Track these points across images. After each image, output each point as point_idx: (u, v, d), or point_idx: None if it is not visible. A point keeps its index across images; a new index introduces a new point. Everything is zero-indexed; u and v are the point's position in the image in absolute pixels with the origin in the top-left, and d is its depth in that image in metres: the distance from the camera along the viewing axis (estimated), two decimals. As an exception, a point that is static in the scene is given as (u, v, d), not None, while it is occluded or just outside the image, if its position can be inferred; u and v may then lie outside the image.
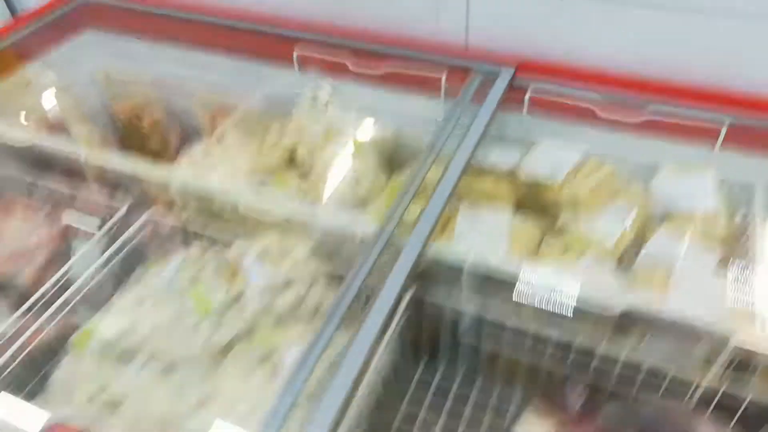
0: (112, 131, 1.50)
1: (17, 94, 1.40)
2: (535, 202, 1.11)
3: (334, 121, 1.30)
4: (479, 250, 0.93)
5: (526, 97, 1.21)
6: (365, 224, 0.98)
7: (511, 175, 1.13)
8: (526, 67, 1.22)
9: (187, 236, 1.15)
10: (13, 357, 0.93)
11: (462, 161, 1.03)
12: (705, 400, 0.91)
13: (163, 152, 1.51)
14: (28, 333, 0.95)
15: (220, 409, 0.82)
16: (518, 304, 0.99)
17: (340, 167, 1.23)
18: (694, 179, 1.12)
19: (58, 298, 1.02)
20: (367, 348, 0.76)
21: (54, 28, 1.46)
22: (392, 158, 1.39)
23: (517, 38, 1.26)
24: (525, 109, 1.22)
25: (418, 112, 1.33)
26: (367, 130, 1.32)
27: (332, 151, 1.24)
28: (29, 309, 0.98)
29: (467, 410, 1.09)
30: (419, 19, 1.30)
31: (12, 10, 1.80)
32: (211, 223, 1.13)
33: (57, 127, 1.39)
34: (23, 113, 1.37)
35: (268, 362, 0.89)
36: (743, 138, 1.11)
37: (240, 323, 0.93)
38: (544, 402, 0.94)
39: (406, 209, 0.97)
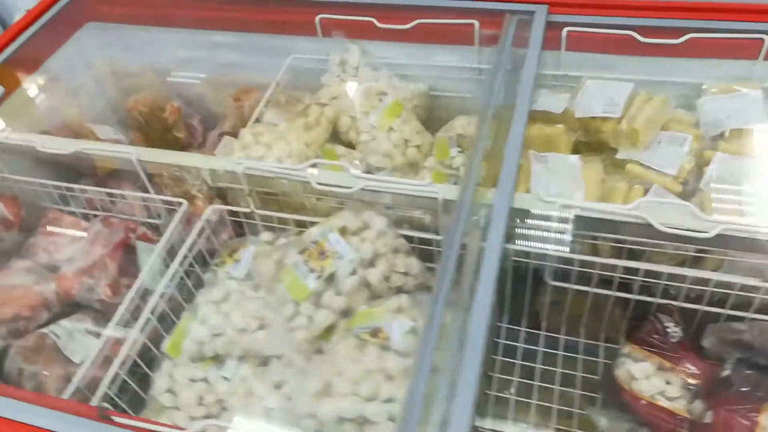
0: (134, 127, 1.45)
1: (33, 102, 1.34)
2: (593, 141, 1.12)
3: (368, 84, 1.27)
4: (563, 195, 0.94)
5: (564, 33, 1.19)
6: (446, 188, 0.97)
7: (565, 116, 1.13)
8: (558, 3, 1.20)
9: (252, 226, 1.14)
10: (117, 371, 0.93)
11: (524, 109, 1.02)
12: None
13: (190, 141, 1.47)
14: (127, 345, 0.95)
15: (346, 392, 0.83)
16: (601, 243, 1.02)
17: (385, 131, 1.22)
18: (742, 96, 1.13)
19: (140, 307, 1.01)
20: (486, 316, 0.77)
21: (53, 27, 1.38)
22: (431, 113, 1.38)
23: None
24: (563, 46, 1.21)
25: (452, 64, 1.31)
26: (403, 89, 1.30)
27: (373, 115, 1.22)
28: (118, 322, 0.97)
29: (558, 360, 1.12)
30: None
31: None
32: (275, 209, 1.12)
33: (81, 132, 1.34)
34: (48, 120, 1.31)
35: (376, 338, 0.90)
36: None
37: (339, 303, 0.94)
38: (640, 340, 0.97)
39: (480, 165, 0.97)
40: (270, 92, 1.31)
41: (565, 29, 1.19)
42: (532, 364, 1.13)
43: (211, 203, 1.21)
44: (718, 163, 1.06)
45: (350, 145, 1.26)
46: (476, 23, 1.23)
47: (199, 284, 1.08)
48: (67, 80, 1.44)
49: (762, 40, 1.12)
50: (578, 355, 1.11)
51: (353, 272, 0.95)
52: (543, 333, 1.16)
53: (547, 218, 0.95)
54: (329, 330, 0.95)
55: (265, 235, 1.11)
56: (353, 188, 1.01)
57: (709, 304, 0.96)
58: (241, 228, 1.17)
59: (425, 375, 0.72)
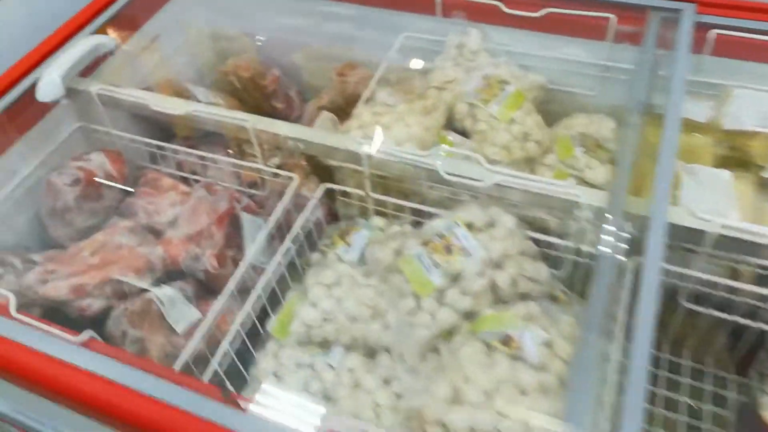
0: (229, 91, 1.40)
1: (135, 64, 1.30)
2: (736, 155, 1.04)
3: (489, 70, 1.20)
4: (716, 212, 0.86)
5: (711, 36, 1.11)
6: (589, 192, 0.91)
7: (709, 126, 1.05)
8: (706, 3, 1.12)
9: (365, 210, 1.09)
10: (227, 348, 0.89)
11: (676, 115, 0.95)
12: None
13: (288, 113, 1.41)
14: (238, 322, 0.90)
15: (478, 402, 0.78)
16: (744, 268, 0.95)
17: (507, 122, 1.15)
18: None
19: (246, 281, 0.96)
20: (648, 335, 0.71)
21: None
22: (545, 107, 1.30)
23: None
24: (710, 50, 1.12)
25: (580, 58, 1.23)
26: (522, 79, 1.23)
27: (494, 104, 1.15)
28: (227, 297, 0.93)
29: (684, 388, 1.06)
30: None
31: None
32: (392, 195, 1.06)
33: (180, 92, 1.30)
34: (148, 78, 1.27)
35: (507, 347, 0.84)
36: None
37: (465, 304, 0.88)
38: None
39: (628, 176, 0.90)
40: (382, 70, 1.25)
41: (713, 31, 1.10)
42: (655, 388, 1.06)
43: (307, 179, 1.16)
44: None
45: (463, 133, 1.20)
46: (612, 17, 1.15)
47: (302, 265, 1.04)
48: (166, 40, 1.40)
49: None
50: (705, 386, 1.04)
51: (481, 272, 0.89)
52: (667, 356, 1.09)
53: (697, 236, 0.88)
54: (450, 330, 0.90)
55: (378, 221, 1.06)
56: (485, 182, 0.95)
57: None
58: (358, 210, 1.11)
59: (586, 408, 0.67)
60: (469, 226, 0.93)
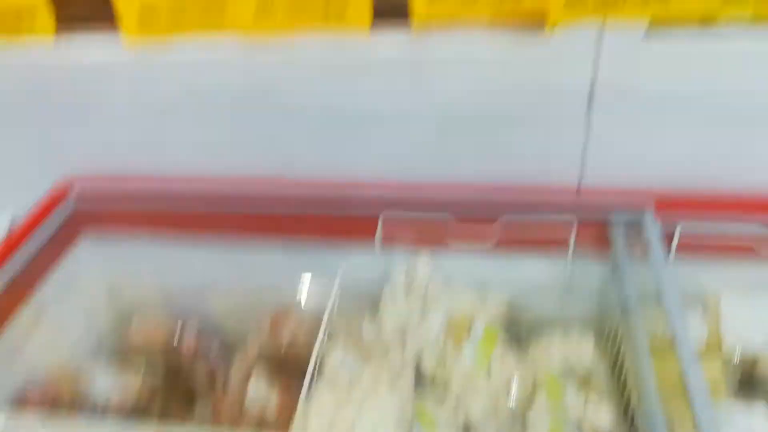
0: (135, 368, 1.14)
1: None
2: (749, 380, 0.91)
3: (448, 307, 1.05)
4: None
5: (674, 241, 1.03)
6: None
7: (709, 347, 0.93)
8: (664, 206, 1.05)
9: None
10: None
11: (688, 340, 0.81)
12: None
13: (208, 387, 1.15)
14: None
15: None
16: None
17: (486, 369, 0.98)
18: None
19: None
20: None
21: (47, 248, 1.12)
22: (512, 332, 1.15)
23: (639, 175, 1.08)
24: (672, 255, 1.04)
25: (541, 276, 1.11)
26: (488, 310, 1.08)
27: (468, 349, 0.99)
28: None
29: None
30: (528, 171, 1.09)
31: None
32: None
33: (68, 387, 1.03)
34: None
35: None
36: None
37: None
38: None
39: None
40: (326, 319, 1.06)
41: (677, 235, 1.03)
42: None
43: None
44: None
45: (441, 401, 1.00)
46: (573, 233, 1.06)
47: None
48: (58, 312, 1.14)
49: None
50: None
51: None
52: None
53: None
54: None
55: None
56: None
57: None
58: None
59: None
60: None
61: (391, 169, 1.10)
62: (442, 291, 1.10)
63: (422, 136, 1.07)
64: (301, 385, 1.09)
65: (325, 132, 1.10)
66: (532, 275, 1.11)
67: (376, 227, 1.10)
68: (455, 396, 0.96)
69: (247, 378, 1.09)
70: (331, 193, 1.11)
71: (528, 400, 0.97)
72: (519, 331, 1.12)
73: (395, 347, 0.99)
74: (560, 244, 1.08)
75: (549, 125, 1.03)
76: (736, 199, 1.03)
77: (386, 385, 0.90)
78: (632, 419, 0.93)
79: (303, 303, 1.17)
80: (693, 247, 1.03)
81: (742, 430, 0.80)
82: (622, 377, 1.00)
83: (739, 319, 0.94)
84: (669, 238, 1.03)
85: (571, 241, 1.06)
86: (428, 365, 0.99)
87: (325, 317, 1.07)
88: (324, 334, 1.03)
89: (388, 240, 1.12)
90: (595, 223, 1.07)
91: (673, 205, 1.04)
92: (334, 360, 0.97)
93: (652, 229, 1.01)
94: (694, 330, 0.96)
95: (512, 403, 0.94)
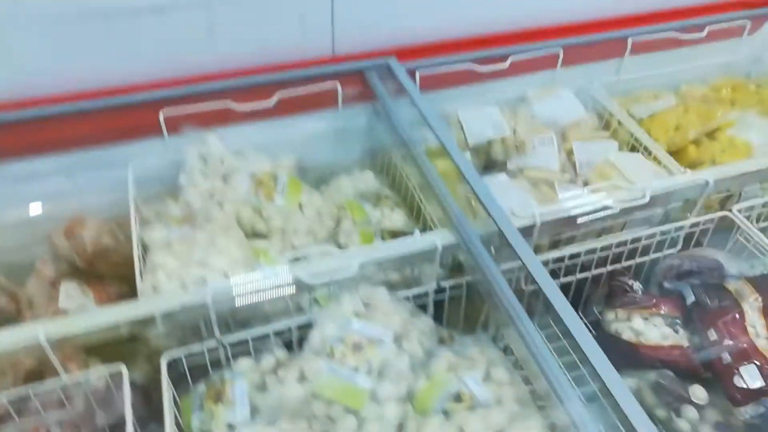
0: None
1: None
2: (489, 162, 1.22)
3: (250, 169, 1.14)
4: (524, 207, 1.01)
5: (416, 79, 1.27)
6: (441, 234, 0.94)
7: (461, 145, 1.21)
8: (404, 54, 1.28)
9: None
10: None
11: (454, 146, 1.05)
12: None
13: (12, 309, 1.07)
14: None
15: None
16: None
17: (298, 209, 1.11)
18: (560, 97, 1.37)
19: None
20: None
21: None
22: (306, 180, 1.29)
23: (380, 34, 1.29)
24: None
25: (320, 130, 1.27)
26: (283, 166, 1.20)
27: (279, 198, 1.10)
28: None
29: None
30: (285, 42, 1.21)
31: None
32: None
33: None
34: None
35: (460, 402, 0.80)
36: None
37: (402, 388, 0.80)
38: (619, 303, 1.07)
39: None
40: (133, 210, 1.06)
41: (417, 72, 1.27)
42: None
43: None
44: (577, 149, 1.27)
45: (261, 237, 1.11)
46: (337, 85, 1.23)
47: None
48: None
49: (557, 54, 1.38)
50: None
51: (398, 351, 0.84)
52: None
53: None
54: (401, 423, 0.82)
55: (243, 364, 0.89)
56: (352, 268, 0.89)
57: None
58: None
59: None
60: (358, 315, 0.87)
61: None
62: (238, 160, 1.18)
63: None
64: (117, 283, 1.11)
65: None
66: (310, 131, 1.26)
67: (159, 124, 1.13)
68: (281, 232, 1.08)
69: (54, 288, 1.05)
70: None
71: (336, 222, 1.15)
72: (310, 179, 1.28)
73: (212, 210, 1.06)
74: (329, 101, 1.25)
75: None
76: (454, 41, 1.32)
77: (221, 237, 0.98)
78: (418, 217, 1.18)
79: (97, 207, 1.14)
80: (430, 81, 1.29)
81: (495, 184, 1.09)
82: (402, 190, 1.24)
83: (474, 123, 1.22)
84: (413, 78, 1.27)
85: (339, 96, 1.24)
86: (245, 217, 1.08)
87: (132, 206, 1.07)
88: (136, 222, 1.05)
89: (173, 126, 1.15)
90: (353, 79, 1.25)
91: (411, 53, 1.28)
92: (159, 233, 1.00)
93: (400, 71, 1.23)
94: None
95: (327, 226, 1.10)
